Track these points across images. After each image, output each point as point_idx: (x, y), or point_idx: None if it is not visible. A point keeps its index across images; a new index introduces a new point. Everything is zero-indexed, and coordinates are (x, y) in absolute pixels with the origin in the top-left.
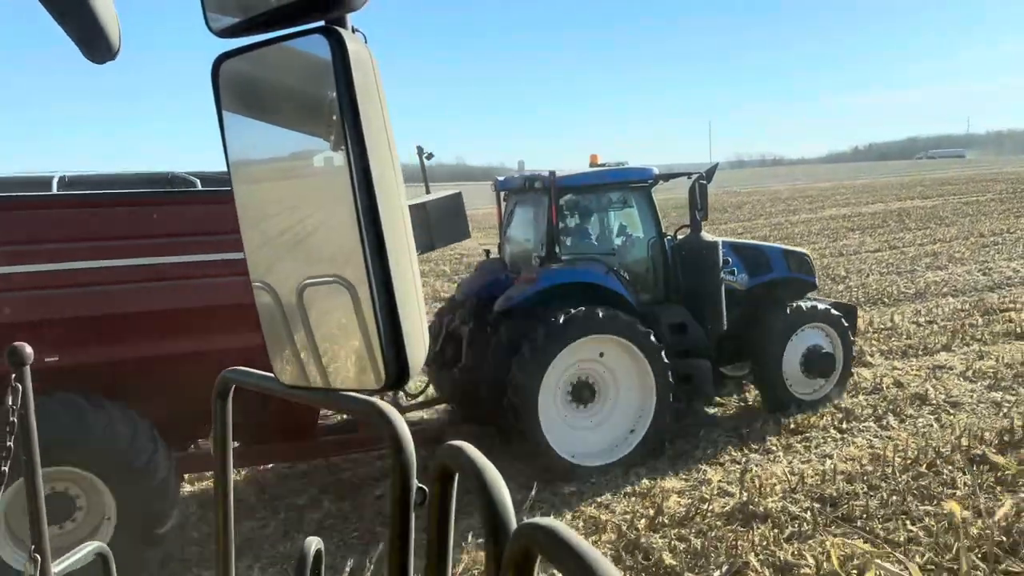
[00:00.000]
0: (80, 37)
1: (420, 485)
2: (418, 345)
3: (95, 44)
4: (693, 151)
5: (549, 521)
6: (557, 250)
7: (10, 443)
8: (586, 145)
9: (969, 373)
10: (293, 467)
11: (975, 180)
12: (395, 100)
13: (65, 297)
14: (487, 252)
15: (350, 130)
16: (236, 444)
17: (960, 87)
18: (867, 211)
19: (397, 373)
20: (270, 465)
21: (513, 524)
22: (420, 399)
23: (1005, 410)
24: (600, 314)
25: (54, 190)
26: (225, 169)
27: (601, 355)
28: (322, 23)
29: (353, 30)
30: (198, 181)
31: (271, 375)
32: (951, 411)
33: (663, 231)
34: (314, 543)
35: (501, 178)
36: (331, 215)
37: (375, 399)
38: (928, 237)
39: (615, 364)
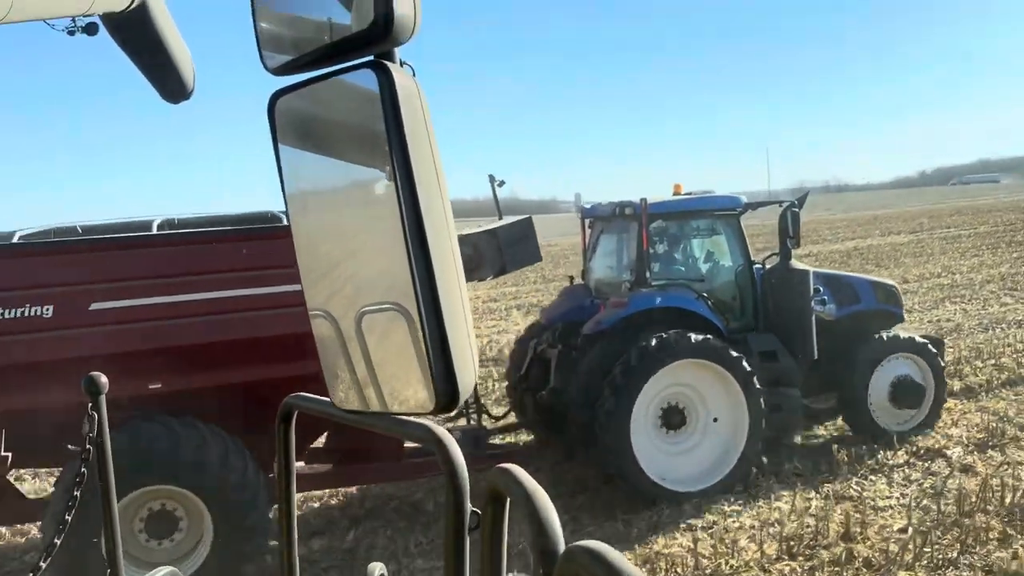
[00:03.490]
0: (157, 79)
1: (475, 509)
2: (468, 369)
3: (171, 85)
4: (751, 178)
5: (597, 544)
6: (647, 275)
7: (84, 468)
8: (640, 175)
9: None
10: (365, 489)
11: (982, 211)
12: (445, 129)
13: (168, 328)
14: (571, 278)
15: (398, 161)
16: (329, 465)
17: None
18: (856, 245)
19: (448, 397)
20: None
21: (561, 546)
22: (500, 423)
23: None
24: (692, 338)
25: (154, 231)
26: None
27: (684, 384)
28: (371, 57)
29: (401, 63)
30: (284, 218)
31: (328, 399)
32: None
33: (752, 258)
34: (378, 568)
35: (587, 206)
36: (385, 243)
37: (431, 423)
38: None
39: (706, 390)
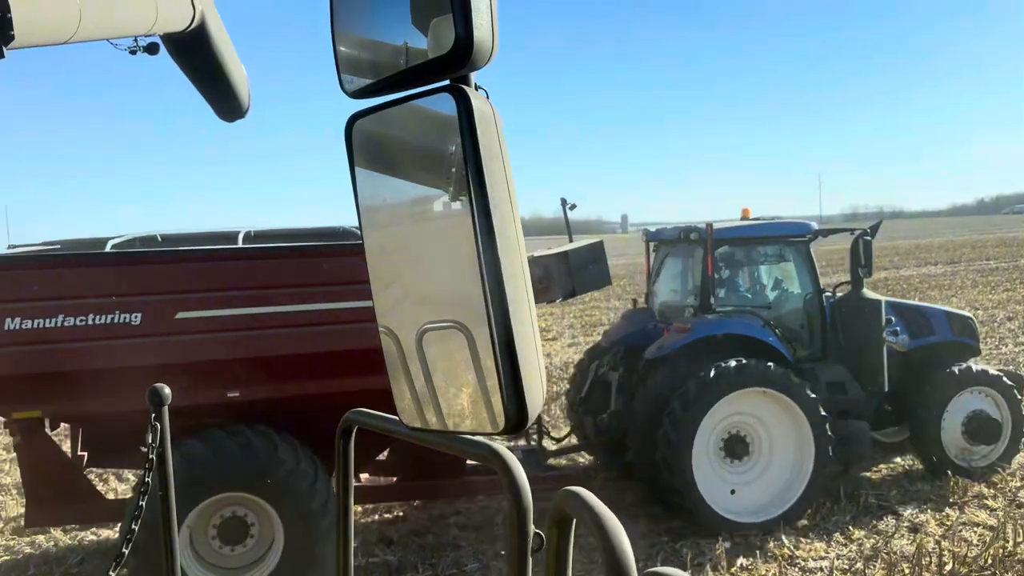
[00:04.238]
0: (213, 98)
1: (538, 531)
2: (536, 391)
3: (227, 105)
4: (801, 203)
5: (671, 571)
6: (712, 301)
7: (148, 479)
8: (688, 198)
9: None
10: (430, 503)
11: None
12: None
13: (248, 339)
14: (634, 301)
15: (474, 184)
16: (394, 479)
17: None
18: (886, 276)
19: (516, 418)
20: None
21: (633, 572)
22: (560, 444)
23: None
24: (757, 367)
25: (240, 243)
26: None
27: (748, 413)
28: (447, 82)
29: (476, 87)
30: None
31: (392, 417)
32: None
33: (821, 287)
34: None
35: (652, 229)
36: (450, 263)
37: (495, 444)
38: None
39: (770, 419)
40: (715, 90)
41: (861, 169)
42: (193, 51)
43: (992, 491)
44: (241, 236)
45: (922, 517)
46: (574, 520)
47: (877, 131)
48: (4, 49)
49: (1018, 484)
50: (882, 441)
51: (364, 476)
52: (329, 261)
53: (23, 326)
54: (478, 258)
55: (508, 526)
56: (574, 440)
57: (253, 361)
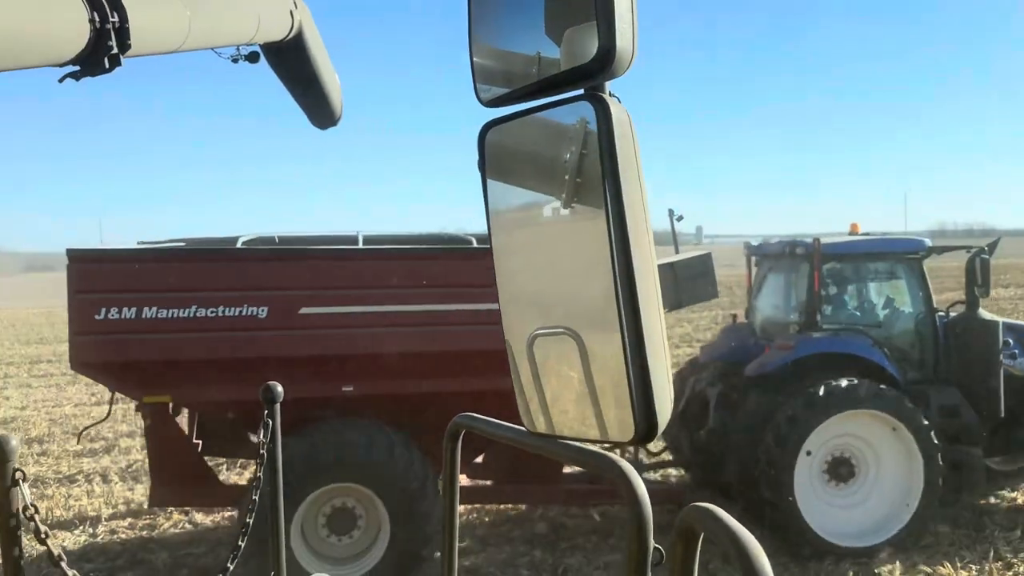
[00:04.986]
0: (308, 106)
1: (657, 546)
2: (666, 401)
3: (321, 113)
4: (885, 218)
5: None
6: (817, 318)
7: (259, 473)
8: (765, 210)
9: None
10: (529, 511)
11: None
12: None
13: (365, 336)
14: (733, 316)
15: (610, 191)
16: (489, 482)
17: None
18: None
19: (646, 428)
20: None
21: None
22: (656, 459)
23: None
24: (864, 387)
25: (360, 245)
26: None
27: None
28: (581, 91)
29: (609, 94)
30: (474, 240)
31: (500, 422)
32: None
33: (934, 306)
34: None
35: (755, 242)
36: (566, 271)
37: (615, 456)
38: None
39: (877, 442)
40: (793, 99)
41: (948, 185)
42: (290, 60)
43: None
44: (361, 238)
45: None
46: (701, 536)
47: (966, 145)
48: (121, 58)
49: None
50: (996, 469)
51: (462, 477)
52: (445, 264)
53: (159, 315)
54: (612, 265)
55: (627, 540)
56: (668, 455)
57: (370, 357)
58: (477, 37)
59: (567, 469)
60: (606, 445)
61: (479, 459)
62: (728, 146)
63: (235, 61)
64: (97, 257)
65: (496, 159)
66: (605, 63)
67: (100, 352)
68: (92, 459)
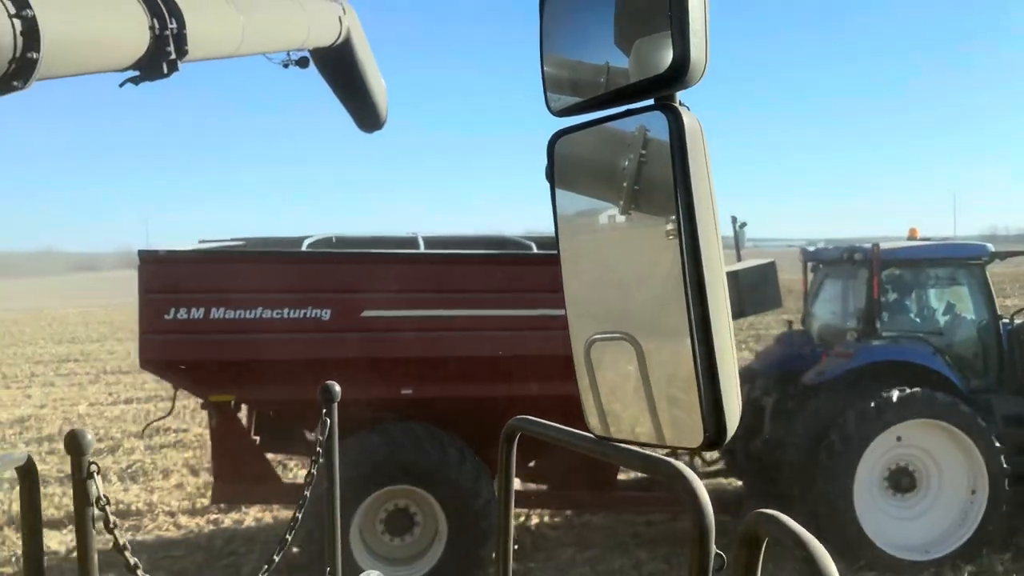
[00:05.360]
0: (355, 110)
1: (719, 552)
2: (735, 407)
3: (366, 116)
4: (933, 223)
5: None
6: (877, 326)
7: (313, 470)
8: (808, 214)
9: None
10: (584, 517)
11: None
12: None
13: (425, 339)
14: (789, 323)
15: (682, 200)
16: (544, 486)
17: None
18: None
19: (716, 433)
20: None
21: None
22: (711, 468)
23: None
24: (926, 396)
25: (421, 248)
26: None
27: (899, 439)
28: (651, 101)
29: (679, 103)
30: (533, 244)
31: (556, 425)
32: None
33: (998, 313)
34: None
35: (810, 248)
36: (630, 277)
37: (678, 462)
38: None
39: (940, 453)
40: (836, 99)
41: (1000, 188)
42: (338, 65)
43: None
44: (422, 241)
45: None
46: (765, 542)
47: (1018, 146)
48: (179, 63)
49: None
50: None
51: (516, 481)
52: (506, 270)
53: (227, 316)
54: (683, 272)
55: (690, 545)
56: (721, 464)
57: (428, 361)
58: (548, 48)
59: (620, 475)
60: (666, 451)
61: (532, 463)
62: (766, 144)
63: (286, 66)
64: (168, 259)
65: (562, 166)
66: (680, 73)
67: (168, 351)
68: (97, 459)
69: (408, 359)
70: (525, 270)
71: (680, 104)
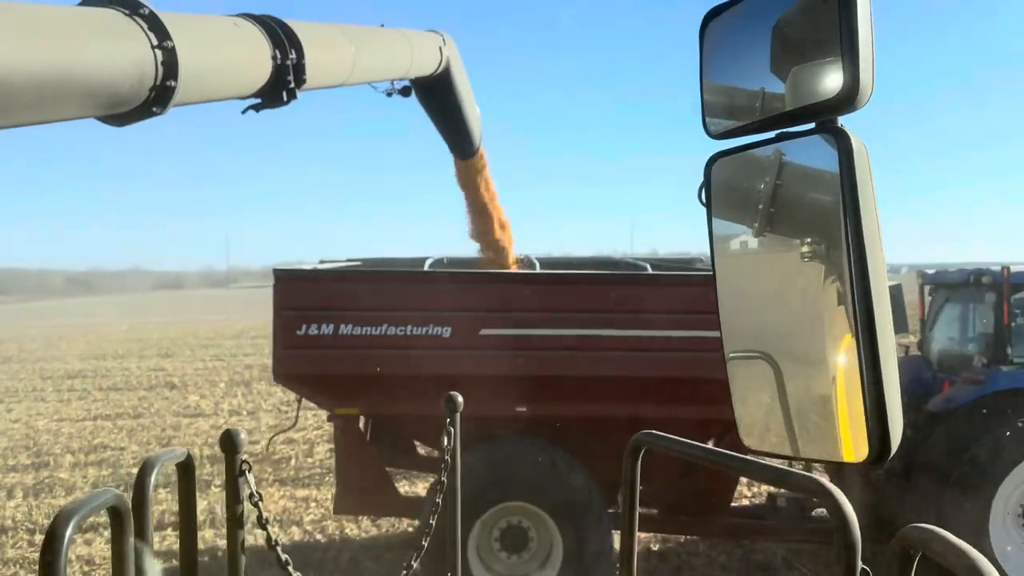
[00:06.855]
0: (451, 138)
1: (864, 567)
2: (898, 423)
3: (462, 143)
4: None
5: None
6: (1008, 351)
7: (443, 477)
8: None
9: None
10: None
11: None
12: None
13: (541, 358)
14: (905, 349)
15: (851, 224)
16: (655, 510)
17: None
18: None
19: (879, 449)
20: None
21: None
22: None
23: None
24: None
25: (537, 269)
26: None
27: None
28: (811, 125)
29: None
30: (648, 266)
31: (683, 440)
32: None
33: None
34: None
35: (930, 271)
36: (766, 298)
37: (823, 479)
38: None
39: None
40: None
41: None
42: (437, 93)
43: None
44: (537, 262)
45: None
46: (917, 557)
47: None
48: (297, 91)
49: None
50: None
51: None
52: (621, 290)
53: (354, 332)
54: (850, 291)
55: (835, 561)
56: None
57: (544, 379)
58: (708, 76)
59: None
60: (800, 464)
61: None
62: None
63: (389, 95)
64: (302, 277)
65: (725, 188)
66: (850, 97)
67: (301, 365)
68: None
69: (523, 377)
70: (641, 290)
71: (841, 127)
